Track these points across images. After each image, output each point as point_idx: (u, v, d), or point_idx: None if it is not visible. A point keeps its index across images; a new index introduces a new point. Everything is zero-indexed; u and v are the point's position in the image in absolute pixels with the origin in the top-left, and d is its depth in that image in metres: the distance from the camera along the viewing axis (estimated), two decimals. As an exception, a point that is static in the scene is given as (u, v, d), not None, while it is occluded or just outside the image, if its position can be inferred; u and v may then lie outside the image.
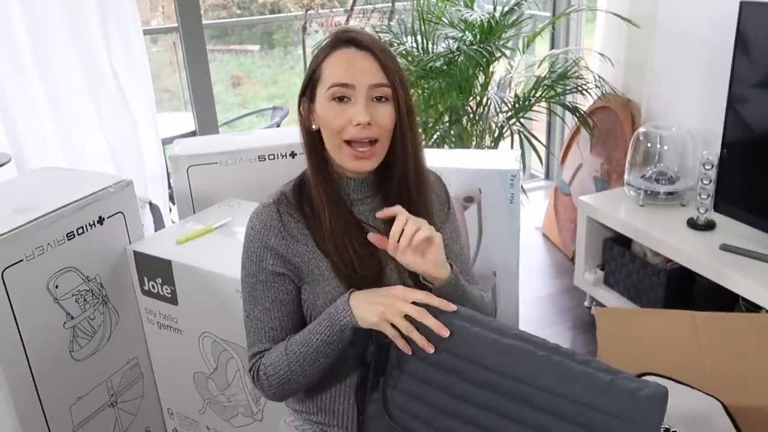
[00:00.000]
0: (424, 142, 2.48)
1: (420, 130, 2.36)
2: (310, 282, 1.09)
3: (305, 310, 1.11)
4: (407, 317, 0.97)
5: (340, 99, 1.03)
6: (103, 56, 2.37)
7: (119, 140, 2.49)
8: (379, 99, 1.04)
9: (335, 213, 1.08)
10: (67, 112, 2.38)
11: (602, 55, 2.60)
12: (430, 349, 0.95)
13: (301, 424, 1.19)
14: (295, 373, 1.06)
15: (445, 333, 0.95)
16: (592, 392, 0.88)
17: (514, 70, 2.65)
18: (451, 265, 1.06)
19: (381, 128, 1.04)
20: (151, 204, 2.42)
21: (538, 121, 3.32)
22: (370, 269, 1.08)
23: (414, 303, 0.98)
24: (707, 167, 2.05)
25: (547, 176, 3.71)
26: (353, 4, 3.16)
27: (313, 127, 1.08)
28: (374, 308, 0.98)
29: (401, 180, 1.10)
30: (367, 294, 1.02)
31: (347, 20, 3.16)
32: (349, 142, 1.04)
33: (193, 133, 2.80)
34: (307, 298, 1.10)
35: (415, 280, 1.11)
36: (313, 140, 1.09)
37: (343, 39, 1.05)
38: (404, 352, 0.98)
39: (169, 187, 2.60)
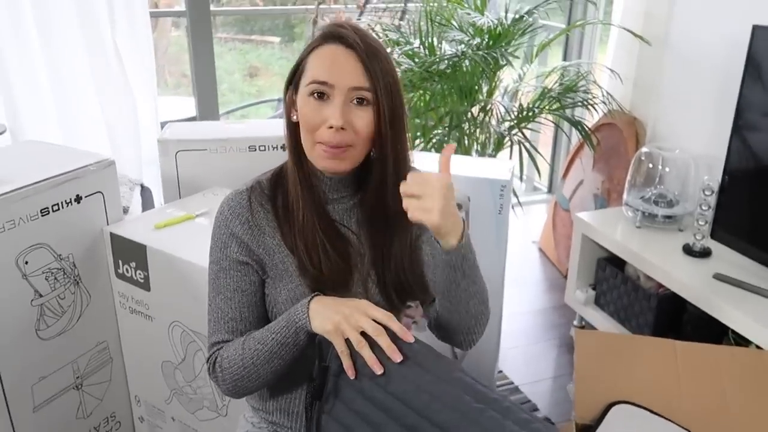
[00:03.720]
0: (422, 145, 2.47)
1: (411, 137, 2.29)
2: (273, 276, 1.06)
3: (267, 304, 1.08)
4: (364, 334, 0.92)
5: (320, 96, 0.99)
6: (107, 34, 2.36)
7: (118, 120, 2.48)
8: (360, 102, 0.99)
9: (309, 208, 1.04)
10: (67, 88, 2.36)
11: (612, 71, 2.55)
12: (379, 370, 0.90)
13: (258, 422, 1.16)
14: (249, 371, 1.02)
15: (398, 357, 0.90)
16: None
17: (522, 80, 2.60)
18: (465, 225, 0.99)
19: (357, 134, 0.99)
20: (142, 186, 2.40)
21: (545, 134, 3.28)
22: (338, 272, 1.04)
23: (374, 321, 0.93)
24: (707, 193, 2.00)
25: (550, 190, 3.66)
26: (366, 2, 3.13)
27: (294, 118, 1.05)
28: (331, 317, 0.93)
29: (378, 188, 1.06)
30: (329, 301, 0.97)
31: (360, 16, 3.13)
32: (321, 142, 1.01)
33: (193, 119, 2.77)
34: (269, 293, 1.07)
35: (383, 293, 1.07)
36: (295, 131, 1.05)
37: (332, 34, 1.00)
38: (341, 380, 0.93)
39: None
